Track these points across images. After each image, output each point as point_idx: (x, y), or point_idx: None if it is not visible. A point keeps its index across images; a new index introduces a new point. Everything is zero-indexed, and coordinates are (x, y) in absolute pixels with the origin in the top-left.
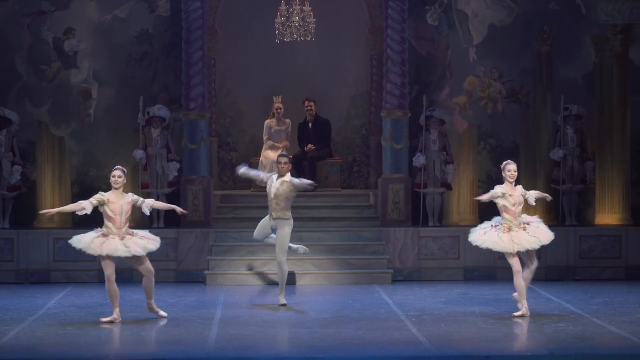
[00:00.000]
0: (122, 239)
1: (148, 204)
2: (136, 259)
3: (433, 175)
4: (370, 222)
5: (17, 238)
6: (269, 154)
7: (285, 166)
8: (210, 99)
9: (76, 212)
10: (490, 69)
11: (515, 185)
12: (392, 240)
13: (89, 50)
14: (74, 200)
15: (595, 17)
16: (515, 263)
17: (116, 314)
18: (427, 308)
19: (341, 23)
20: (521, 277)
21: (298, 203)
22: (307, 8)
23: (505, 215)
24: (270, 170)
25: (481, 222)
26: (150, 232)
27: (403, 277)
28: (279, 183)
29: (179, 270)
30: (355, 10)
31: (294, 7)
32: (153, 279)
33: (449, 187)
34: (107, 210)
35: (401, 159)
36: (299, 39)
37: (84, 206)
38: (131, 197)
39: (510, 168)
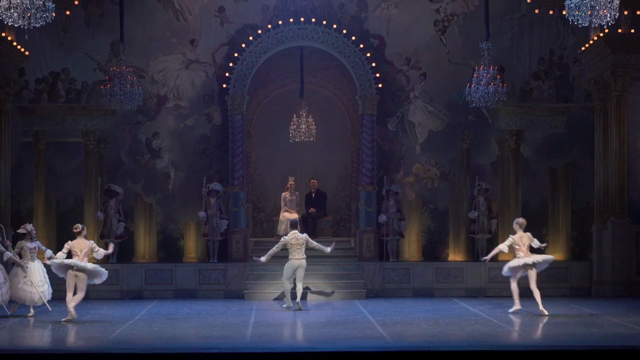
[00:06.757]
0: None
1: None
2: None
3: (392, 228)
4: (351, 259)
5: (121, 269)
6: (285, 215)
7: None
8: (247, 178)
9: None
10: (429, 159)
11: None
12: (366, 271)
13: (169, 147)
14: (160, 246)
15: (498, 125)
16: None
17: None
18: (389, 315)
19: (332, 129)
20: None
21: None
22: (310, 119)
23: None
24: (287, 226)
25: (425, 259)
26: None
27: (373, 294)
28: (293, 238)
29: (227, 290)
30: (342, 121)
31: (301, 118)
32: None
33: (402, 235)
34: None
35: (371, 218)
36: (305, 139)
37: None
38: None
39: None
